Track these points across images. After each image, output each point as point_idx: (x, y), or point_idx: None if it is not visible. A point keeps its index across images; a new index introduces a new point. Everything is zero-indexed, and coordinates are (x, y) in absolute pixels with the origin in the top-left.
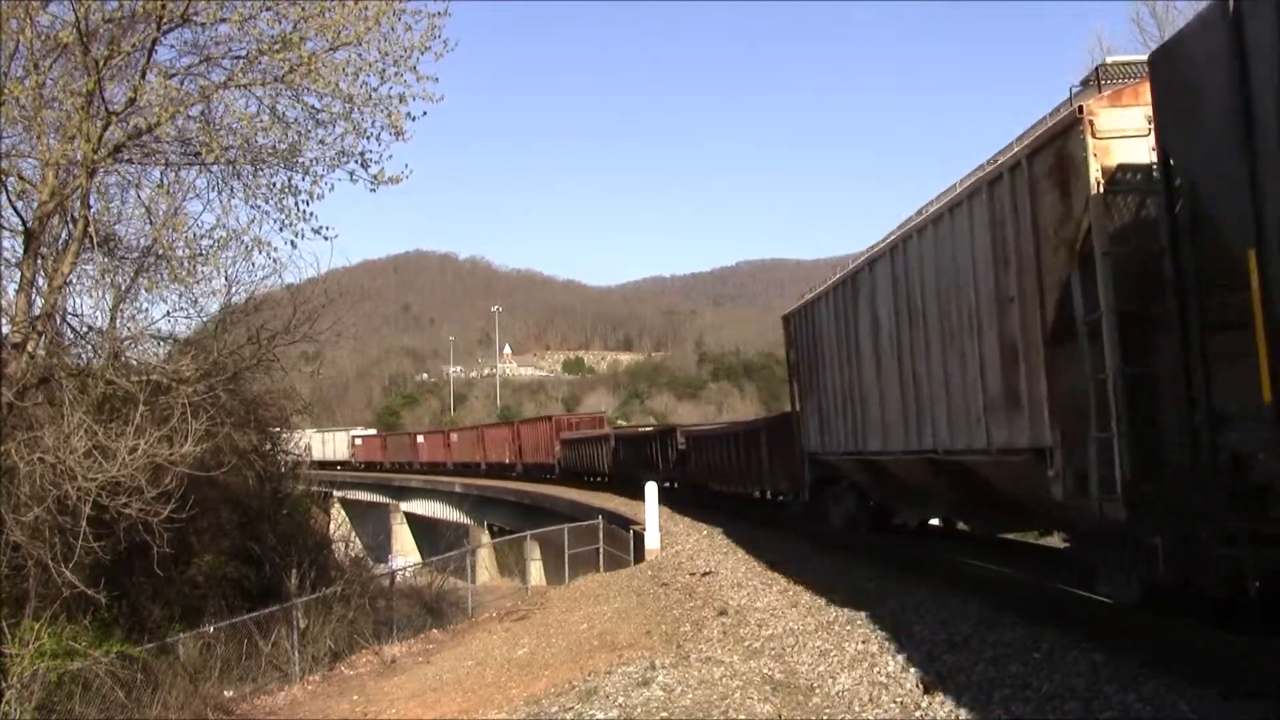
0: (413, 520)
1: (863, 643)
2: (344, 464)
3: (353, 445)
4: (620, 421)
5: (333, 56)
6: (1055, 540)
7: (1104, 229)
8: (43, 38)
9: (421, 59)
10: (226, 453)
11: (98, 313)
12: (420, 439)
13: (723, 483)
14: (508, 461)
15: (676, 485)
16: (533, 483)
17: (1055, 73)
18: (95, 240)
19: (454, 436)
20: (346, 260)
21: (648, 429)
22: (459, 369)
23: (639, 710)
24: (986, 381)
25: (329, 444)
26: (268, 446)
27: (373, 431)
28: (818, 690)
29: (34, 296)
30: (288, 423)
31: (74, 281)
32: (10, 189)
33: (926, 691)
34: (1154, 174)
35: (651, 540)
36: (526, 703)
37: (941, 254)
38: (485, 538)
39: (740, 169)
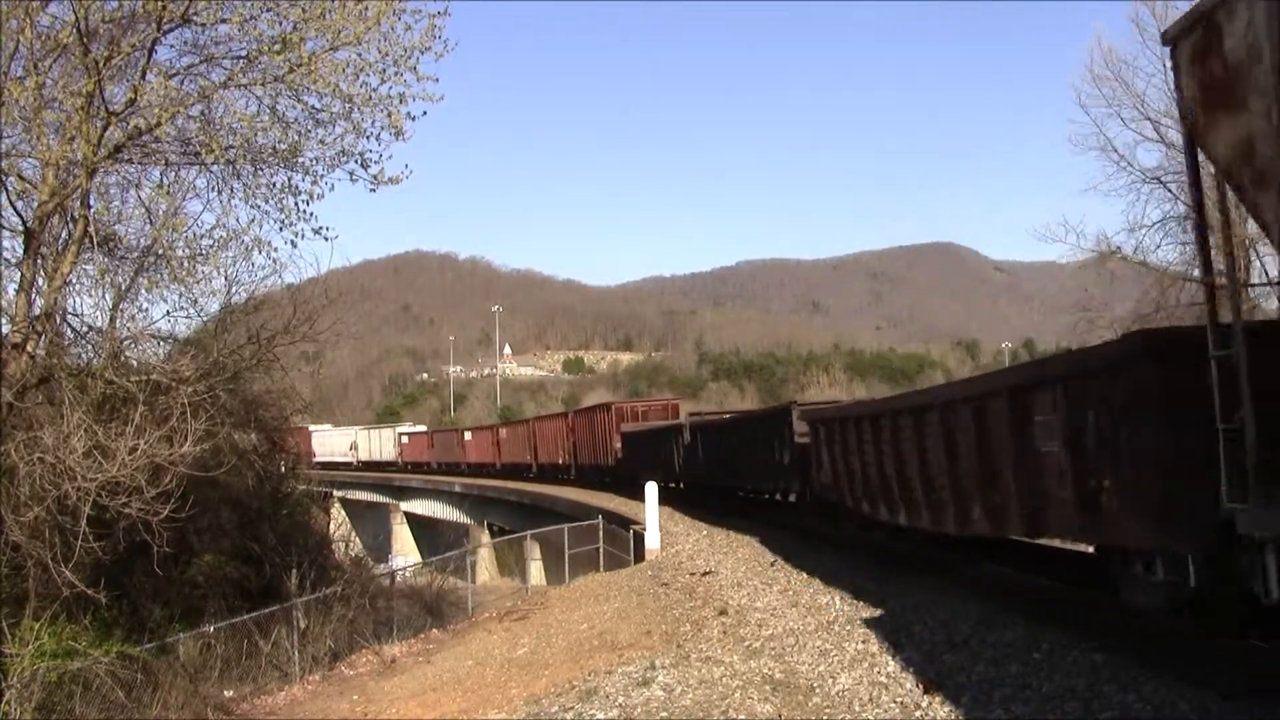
0: (413, 520)
1: (863, 643)
2: (391, 465)
3: (399, 445)
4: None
5: (333, 56)
6: None
7: None
8: (43, 38)
9: (421, 59)
10: (226, 453)
11: (98, 313)
12: (468, 436)
13: (932, 513)
14: (561, 462)
15: (798, 498)
16: (588, 489)
17: (1055, 73)
18: (95, 240)
19: (503, 433)
20: (346, 260)
21: (736, 414)
22: (459, 369)
23: (639, 710)
24: None
25: (374, 442)
26: (266, 447)
27: (422, 428)
28: (818, 690)
29: (34, 296)
30: (285, 421)
31: (74, 281)
32: (10, 189)
33: (926, 691)
34: None
35: (651, 540)
36: (526, 703)
37: None
38: (485, 538)
39: (740, 169)
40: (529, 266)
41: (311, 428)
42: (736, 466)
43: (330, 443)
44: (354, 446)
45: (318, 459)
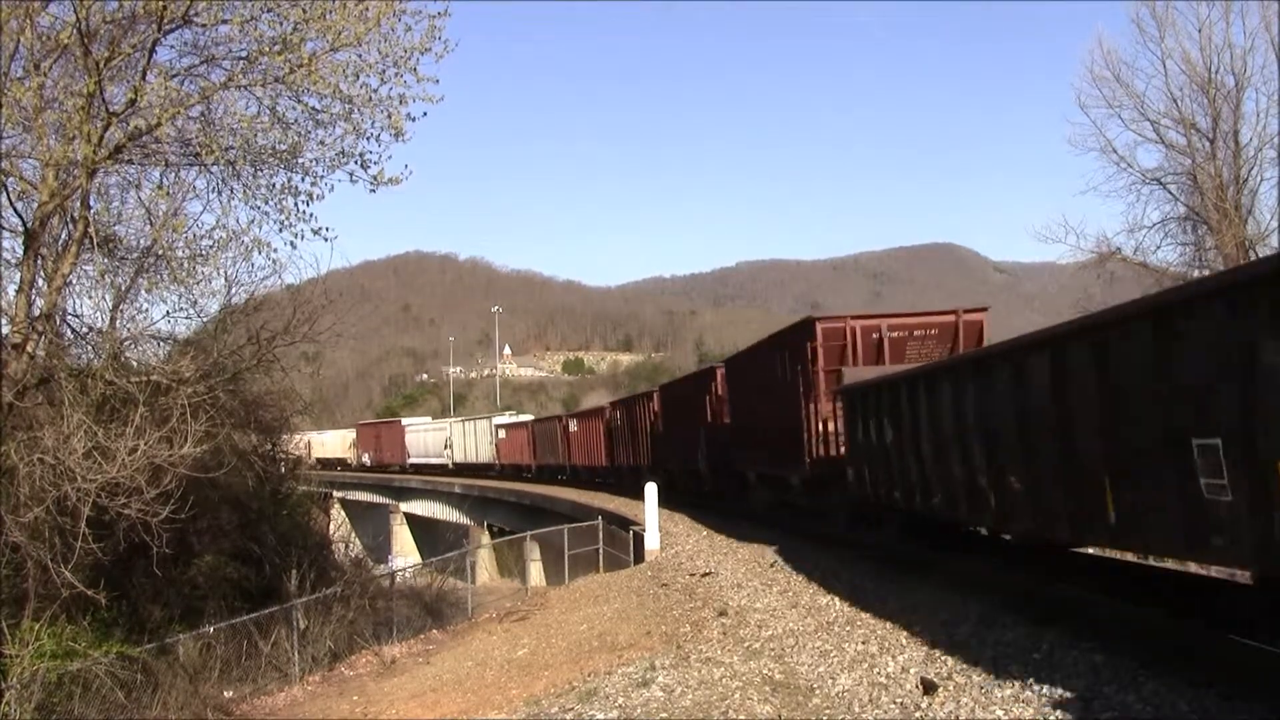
0: (412, 521)
1: (863, 643)
2: (488, 469)
3: (496, 441)
4: None
5: (333, 57)
6: None
7: None
8: (43, 38)
9: (421, 60)
10: (226, 453)
11: (98, 313)
12: (573, 426)
13: None
14: (704, 469)
15: None
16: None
17: (1056, 73)
18: (95, 241)
19: (616, 416)
20: (346, 261)
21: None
22: (459, 369)
23: (639, 711)
24: None
25: (469, 438)
26: (267, 447)
27: (526, 418)
28: (818, 691)
29: (34, 297)
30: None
31: (74, 282)
32: (10, 189)
33: (926, 692)
34: None
35: (651, 541)
36: (526, 703)
37: None
38: (485, 538)
39: (740, 169)
40: (529, 267)
41: (405, 422)
42: None
43: (425, 441)
44: (449, 445)
45: (412, 460)
